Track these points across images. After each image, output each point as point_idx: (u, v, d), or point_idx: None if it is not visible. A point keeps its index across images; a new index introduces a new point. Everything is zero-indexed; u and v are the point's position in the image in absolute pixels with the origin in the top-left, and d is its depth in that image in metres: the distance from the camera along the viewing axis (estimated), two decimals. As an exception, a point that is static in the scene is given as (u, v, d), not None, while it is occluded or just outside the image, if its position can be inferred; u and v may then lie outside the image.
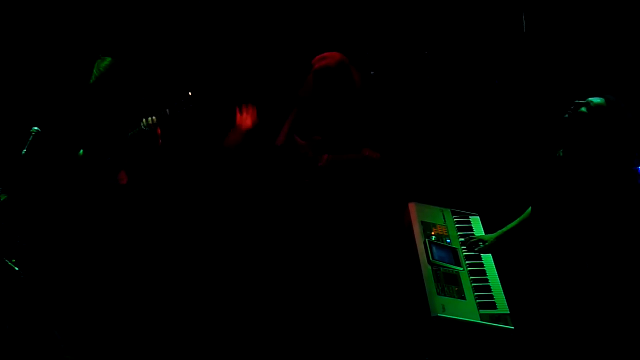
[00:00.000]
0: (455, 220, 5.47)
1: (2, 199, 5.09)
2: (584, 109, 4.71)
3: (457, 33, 6.88)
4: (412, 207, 5.44)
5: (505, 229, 5.16)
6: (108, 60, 5.41)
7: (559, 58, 6.66)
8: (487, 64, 6.80)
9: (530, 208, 5.06)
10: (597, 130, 4.67)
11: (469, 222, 5.45)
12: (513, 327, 4.70)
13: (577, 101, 4.74)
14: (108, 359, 5.30)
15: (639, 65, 6.47)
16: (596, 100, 4.71)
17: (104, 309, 5.38)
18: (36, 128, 5.11)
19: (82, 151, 5.33)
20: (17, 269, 5.05)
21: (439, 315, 4.66)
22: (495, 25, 6.80)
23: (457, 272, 5.02)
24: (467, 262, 5.13)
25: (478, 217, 5.49)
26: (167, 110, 5.42)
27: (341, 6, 6.88)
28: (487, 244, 5.19)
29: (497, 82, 6.77)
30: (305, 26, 6.87)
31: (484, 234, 5.32)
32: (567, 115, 4.75)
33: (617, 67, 6.52)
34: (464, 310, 4.74)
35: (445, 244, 5.21)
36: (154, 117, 5.40)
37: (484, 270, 5.07)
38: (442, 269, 5.00)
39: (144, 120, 5.40)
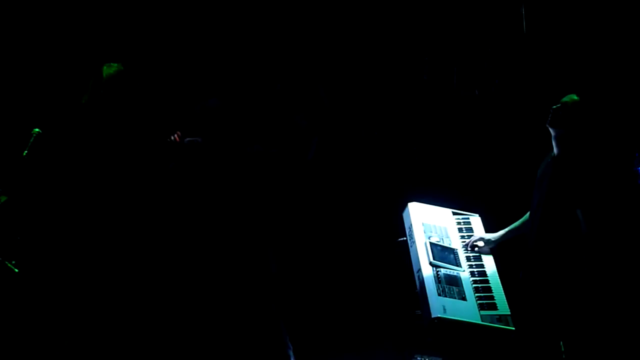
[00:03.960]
0: (456, 220, 5.46)
1: (2, 200, 5.08)
2: (561, 112, 4.75)
3: (457, 34, 6.89)
4: (412, 207, 5.43)
5: (508, 228, 5.16)
6: (115, 66, 5.28)
7: (559, 59, 6.67)
8: (487, 65, 6.81)
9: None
10: (582, 123, 4.74)
11: (469, 223, 5.45)
12: (514, 328, 4.70)
13: (553, 107, 4.79)
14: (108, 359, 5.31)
15: (638, 65, 6.49)
16: (569, 98, 4.78)
17: (103, 309, 5.38)
18: (37, 129, 5.11)
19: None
20: (16, 270, 5.05)
21: (440, 316, 4.66)
22: (495, 25, 6.81)
23: (458, 273, 5.02)
24: (468, 262, 5.13)
25: (478, 217, 5.49)
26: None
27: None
28: (489, 242, 5.18)
29: (497, 82, 6.78)
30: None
31: (484, 234, 5.31)
32: (548, 121, 4.80)
33: (616, 68, 6.54)
34: (464, 311, 4.74)
35: (445, 244, 5.20)
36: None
37: (485, 271, 5.07)
38: (442, 269, 5.00)
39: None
